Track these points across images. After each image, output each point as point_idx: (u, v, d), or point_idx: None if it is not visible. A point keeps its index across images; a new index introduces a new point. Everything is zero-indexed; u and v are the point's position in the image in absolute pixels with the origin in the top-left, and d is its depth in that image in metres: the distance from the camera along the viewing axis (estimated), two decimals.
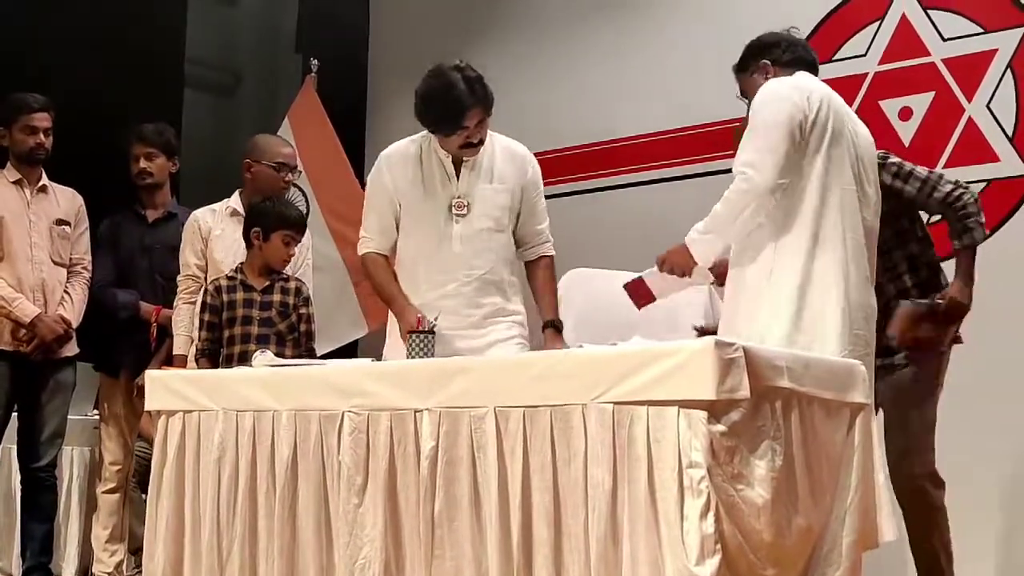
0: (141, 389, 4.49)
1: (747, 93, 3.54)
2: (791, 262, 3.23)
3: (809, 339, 3.16)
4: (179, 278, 4.55)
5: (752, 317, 3.25)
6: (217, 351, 4.07)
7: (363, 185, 6.47)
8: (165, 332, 4.70)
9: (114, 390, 4.87)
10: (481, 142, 3.74)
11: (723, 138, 5.25)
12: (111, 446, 4.84)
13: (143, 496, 4.96)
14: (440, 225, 3.78)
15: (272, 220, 4.13)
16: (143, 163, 4.90)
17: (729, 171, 4.93)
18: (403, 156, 3.85)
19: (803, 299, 3.21)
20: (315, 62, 6.65)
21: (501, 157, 3.85)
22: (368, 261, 3.91)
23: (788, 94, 3.27)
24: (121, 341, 4.79)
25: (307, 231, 4.75)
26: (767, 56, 3.54)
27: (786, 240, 3.25)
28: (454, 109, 3.64)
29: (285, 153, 4.65)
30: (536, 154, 5.93)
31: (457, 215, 3.77)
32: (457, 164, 3.80)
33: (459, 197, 3.77)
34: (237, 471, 3.28)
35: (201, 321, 4.11)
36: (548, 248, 3.94)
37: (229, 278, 4.14)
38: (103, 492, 4.86)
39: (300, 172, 4.77)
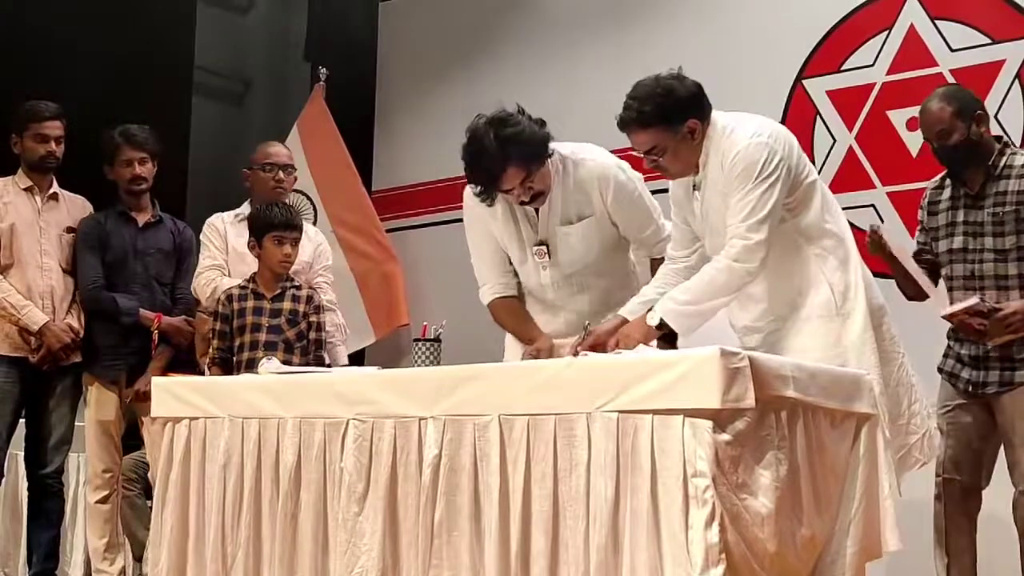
0: (140, 395, 4.51)
1: (663, 152, 3.25)
2: (861, 302, 3.23)
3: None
4: (200, 269, 4.58)
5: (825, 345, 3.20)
6: (229, 359, 4.12)
7: (371, 193, 6.58)
8: (165, 339, 4.69)
9: (105, 396, 4.71)
10: (538, 195, 3.49)
11: None
12: (101, 453, 4.71)
13: (148, 503, 4.97)
14: (532, 268, 3.65)
15: (259, 226, 4.16)
16: (138, 169, 4.72)
17: None
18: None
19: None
20: (324, 71, 6.67)
21: (577, 187, 3.58)
22: (493, 309, 3.75)
23: (783, 153, 3.20)
24: (119, 347, 4.69)
25: (315, 238, 4.76)
26: (695, 113, 3.24)
27: (839, 269, 3.25)
28: (488, 175, 3.44)
29: (270, 152, 4.68)
30: None
31: (541, 263, 3.62)
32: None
33: (539, 244, 3.59)
34: (242, 478, 3.29)
35: (213, 330, 4.18)
36: (658, 250, 3.62)
37: (241, 287, 4.20)
38: (96, 502, 4.72)
39: (293, 170, 4.73)
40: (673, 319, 3.13)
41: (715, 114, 3.29)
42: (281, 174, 4.64)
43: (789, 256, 3.22)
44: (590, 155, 3.65)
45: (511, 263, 3.72)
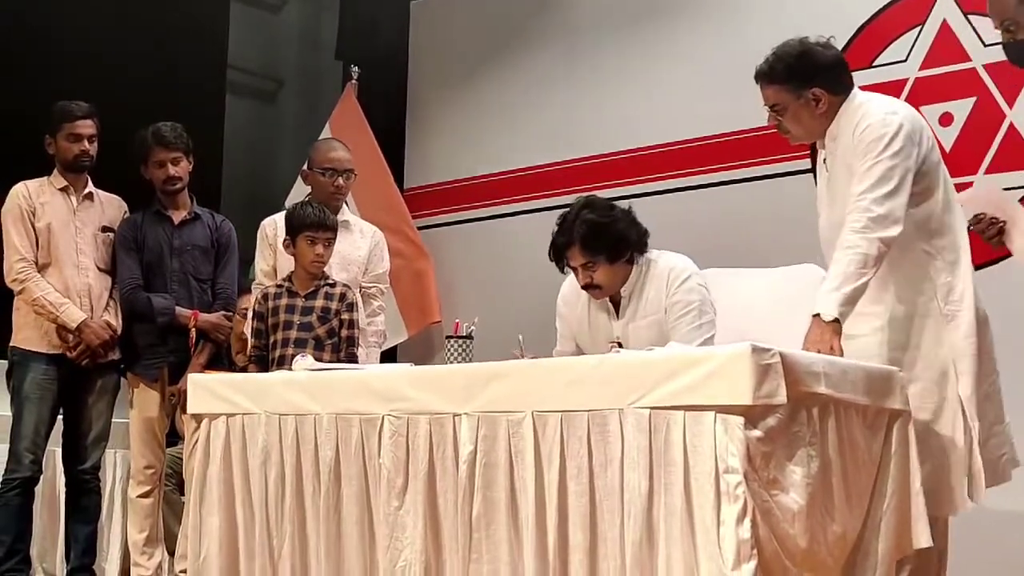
0: (180, 394, 4.56)
1: (783, 111, 3.32)
2: (967, 307, 3.20)
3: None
4: (254, 285, 4.63)
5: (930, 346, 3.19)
6: (266, 357, 4.17)
7: (402, 191, 6.61)
8: (203, 336, 4.73)
9: (149, 395, 4.76)
10: (595, 286, 3.61)
11: (751, 145, 5.26)
12: (144, 450, 4.76)
13: (183, 498, 5.00)
14: None
15: (293, 225, 4.19)
16: (171, 170, 4.73)
17: (751, 179, 4.87)
18: (576, 290, 3.75)
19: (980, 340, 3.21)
20: (356, 69, 6.70)
21: (651, 284, 3.66)
22: None
23: (916, 136, 3.21)
24: (158, 346, 4.72)
25: (371, 236, 4.73)
26: (824, 83, 3.28)
27: (945, 270, 3.22)
28: (557, 246, 3.62)
29: (332, 158, 4.62)
30: (568, 162, 6.07)
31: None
32: (616, 300, 3.69)
33: (614, 339, 3.65)
34: (283, 473, 3.32)
35: (251, 328, 4.26)
36: None
37: (278, 285, 4.26)
38: (137, 496, 4.77)
39: (353, 175, 4.66)
40: (838, 309, 3.04)
41: (856, 91, 3.32)
42: (340, 180, 4.58)
43: (895, 248, 3.15)
44: (667, 257, 3.72)
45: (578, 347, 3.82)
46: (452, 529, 2.91)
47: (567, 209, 3.66)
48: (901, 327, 3.22)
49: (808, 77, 3.29)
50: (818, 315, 3.02)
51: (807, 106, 3.30)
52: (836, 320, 3.01)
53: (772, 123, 3.40)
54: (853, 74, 4.84)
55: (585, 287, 3.64)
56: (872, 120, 3.19)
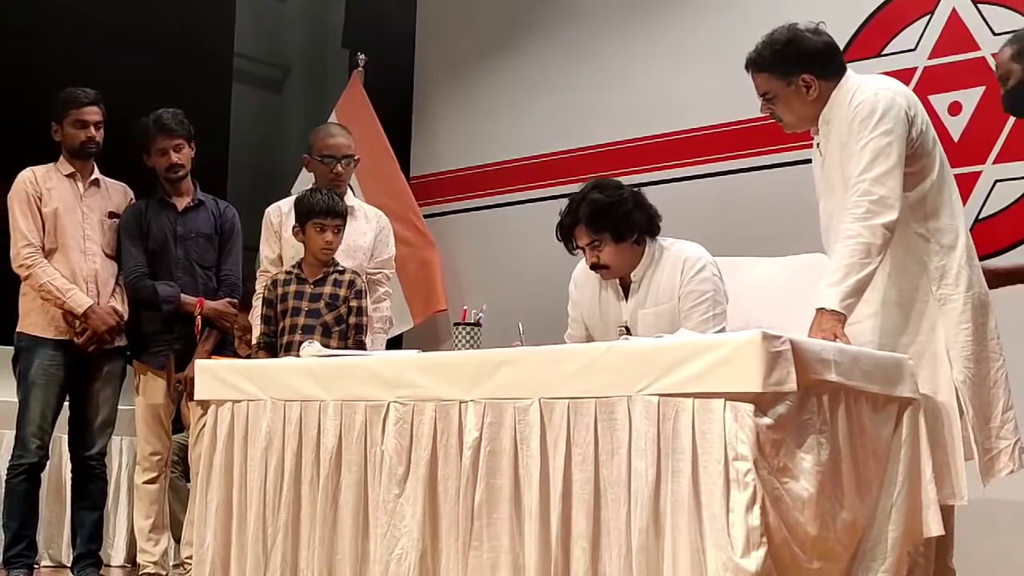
0: (186, 382, 4.55)
1: (773, 99, 3.30)
2: (961, 291, 3.16)
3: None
4: (258, 272, 4.61)
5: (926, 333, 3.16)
6: (274, 343, 4.18)
7: (408, 179, 6.60)
8: (209, 324, 4.72)
9: (154, 382, 4.76)
10: (602, 266, 3.61)
11: (761, 133, 5.23)
12: (150, 436, 4.75)
13: (187, 485, 5.01)
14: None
15: (302, 212, 4.18)
16: (174, 157, 4.72)
17: (761, 167, 4.82)
18: (587, 272, 3.74)
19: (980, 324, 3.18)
20: (362, 57, 6.68)
21: (666, 271, 3.63)
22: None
23: (910, 112, 3.16)
24: (163, 333, 4.72)
25: (376, 222, 4.69)
26: (814, 69, 3.25)
27: (940, 253, 3.18)
28: (565, 225, 3.63)
29: (330, 144, 4.57)
30: (576, 150, 6.06)
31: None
32: (626, 284, 3.68)
33: (623, 325, 3.62)
34: (283, 460, 3.32)
35: (260, 315, 4.25)
36: None
37: (287, 272, 4.25)
38: (143, 482, 4.76)
39: (354, 161, 4.60)
40: (840, 303, 3.00)
41: (849, 73, 3.29)
42: (339, 167, 4.52)
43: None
44: (681, 244, 3.70)
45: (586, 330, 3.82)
46: (452, 517, 2.90)
47: (582, 188, 3.67)
48: (894, 312, 3.20)
49: (797, 64, 3.26)
50: (822, 308, 3.00)
51: (798, 93, 3.27)
52: (839, 311, 2.99)
53: (766, 111, 3.37)
54: (861, 63, 4.86)
55: (592, 267, 3.64)
56: (864, 96, 3.16)
